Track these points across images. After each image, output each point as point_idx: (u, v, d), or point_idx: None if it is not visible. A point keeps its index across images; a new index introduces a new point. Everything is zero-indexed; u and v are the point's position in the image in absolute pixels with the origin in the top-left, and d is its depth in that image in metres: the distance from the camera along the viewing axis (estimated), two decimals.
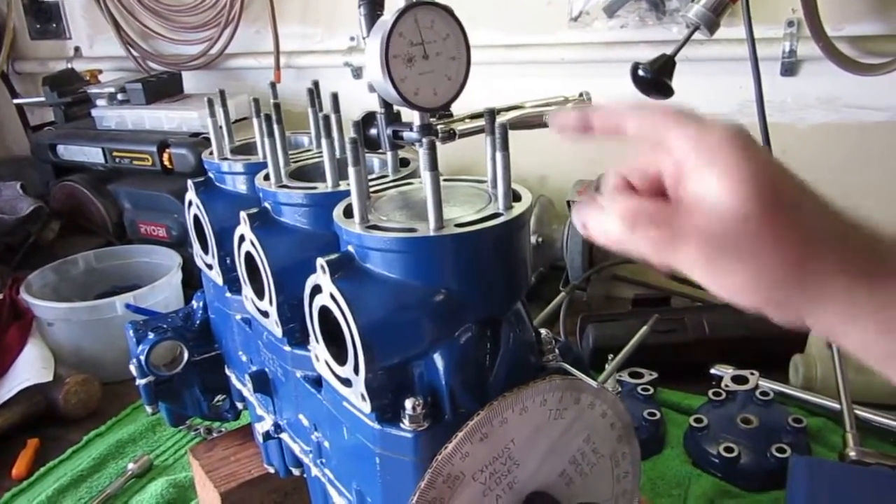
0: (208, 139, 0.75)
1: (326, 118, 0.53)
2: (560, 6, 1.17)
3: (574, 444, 0.50)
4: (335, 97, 0.62)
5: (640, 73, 0.83)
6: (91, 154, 1.31)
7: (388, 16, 0.45)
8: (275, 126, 0.57)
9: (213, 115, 0.67)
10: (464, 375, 0.46)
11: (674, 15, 1.05)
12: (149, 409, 0.76)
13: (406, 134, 0.49)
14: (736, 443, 0.81)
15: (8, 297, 1.10)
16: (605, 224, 0.39)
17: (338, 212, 0.49)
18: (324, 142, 0.53)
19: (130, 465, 0.89)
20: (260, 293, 0.58)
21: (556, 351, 0.52)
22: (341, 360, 0.47)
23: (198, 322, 0.77)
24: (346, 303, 0.44)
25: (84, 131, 1.35)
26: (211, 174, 0.69)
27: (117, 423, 1.00)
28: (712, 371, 0.96)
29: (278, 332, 0.57)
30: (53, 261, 1.20)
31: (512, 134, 0.47)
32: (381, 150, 0.53)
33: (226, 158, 0.68)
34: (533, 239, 1.13)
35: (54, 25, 1.63)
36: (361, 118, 0.51)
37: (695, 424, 0.85)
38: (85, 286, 1.21)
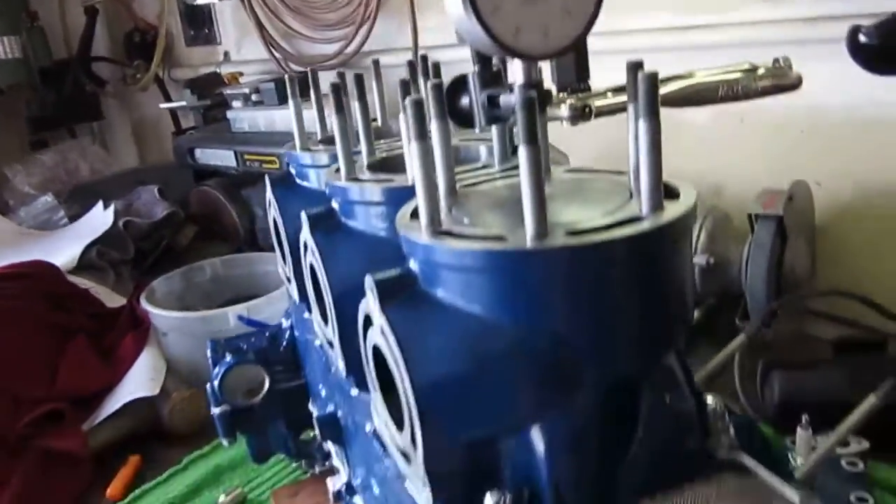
0: None
1: (405, 84, 0.39)
2: None
3: None
4: (436, 67, 0.48)
5: (862, 38, 0.62)
6: (224, 157, 1.27)
7: None
8: (344, 99, 0.44)
9: (293, 95, 0.55)
10: (577, 464, 0.30)
11: None
12: (224, 442, 0.65)
13: (504, 98, 0.34)
14: None
15: (128, 304, 1.06)
16: None
17: (403, 211, 0.35)
18: (402, 116, 0.39)
19: (222, 498, 0.80)
20: (325, 317, 0.45)
21: (731, 430, 0.34)
22: (401, 424, 0.32)
23: (285, 344, 0.66)
24: (397, 343, 0.29)
25: (219, 134, 1.31)
26: (292, 169, 0.57)
27: (220, 444, 0.92)
28: None
29: (342, 367, 0.43)
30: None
31: (676, 126, 0.31)
32: (472, 128, 0.38)
33: (308, 149, 0.55)
34: (702, 259, 0.92)
35: (206, 31, 1.64)
36: (450, 81, 0.36)
37: None
38: (210, 294, 1.16)
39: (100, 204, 1.28)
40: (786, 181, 0.92)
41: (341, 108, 0.43)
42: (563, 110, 0.43)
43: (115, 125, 1.90)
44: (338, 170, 0.46)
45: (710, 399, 0.34)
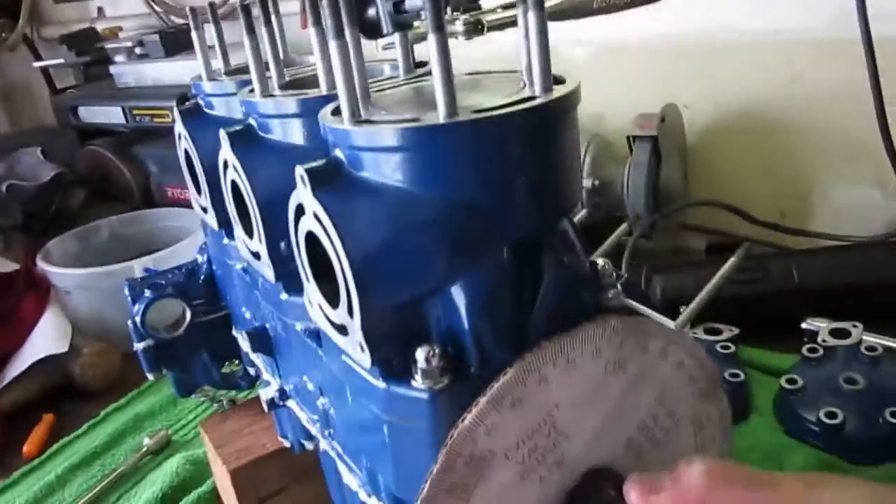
0: None
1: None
2: None
3: (642, 406, 0.38)
4: None
5: None
6: (111, 114, 1.23)
7: None
8: (259, 24, 0.46)
9: (196, 27, 0.57)
10: (493, 316, 0.35)
11: None
12: (150, 377, 0.67)
13: (409, 2, 0.37)
14: (839, 407, 0.67)
15: (23, 266, 1.03)
16: None
17: (324, 111, 0.38)
18: (312, 30, 0.42)
19: (146, 441, 0.81)
20: (250, 230, 0.47)
21: (619, 287, 0.40)
22: (336, 301, 0.36)
23: (203, 278, 0.68)
24: (331, 222, 0.32)
25: (103, 90, 1.27)
26: (199, 100, 0.58)
27: (138, 395, 0.92)
28: (804, 325, 0.81)
29: (271, 275, 0.46)
30: None
31: (563, 63, 0.35)
32: (382, 36, 0.42)
33: (214, 79, 0.57)
34: (588, 182, 1.00)
35: None
36: None
37: (788, 386, 0.72)
38: (109, 254, 1.14)
39: None
40: (658, 106, 1.00)
41: (252, 30, 0.45)
42: (458, 26, 0.47)
43: None
44: (251, 90, 0.48)
45: (600, 261, 0.40)
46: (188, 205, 1.21)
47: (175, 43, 1.23)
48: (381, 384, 0.35)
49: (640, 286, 0.87)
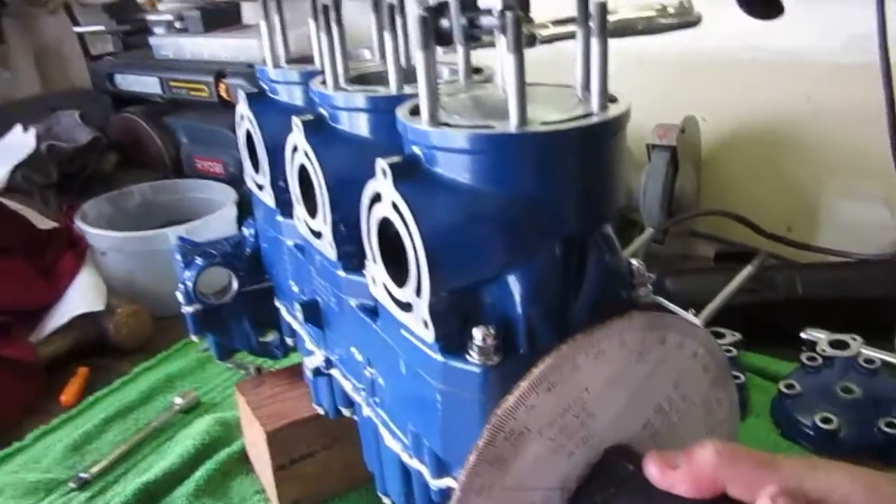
0: None
1: (391, 7, 0.46)
2: None
3: (660, 391, 0.42)
4: None
5: None
6: (148, 84, 1.27)
7: None
8: (332, 24, 0.51)
9: (266, 17, 0.61)
10: (543, 303, 0.40)
11: None
12: (194, 338, 0.71)
13: (485, 19, 0.42)
14: (835, 413, 0.72)
15: (63, 224, 1.07)
16: None
17: (402, 111, 0.42)
18: (387, 35, 0.47)
19: (177, 400, 0.86)
20: (313, 211, 0.52)
21: (650, 286, 0.45)
22: (401, 282, 0.40)
23: (248, 251, 0.72)
24: (409, 210, 0.37)
25: (141, 60, 1.31)
26: (264, 85, 0.63)
27: (167, 357, 0.97)
28: (804, 335, 0.86)
29: (332, 254, 0.51)
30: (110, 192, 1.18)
31: None
32: (452, 49, 0.46)
33: (280, 67, 0.61)
34: None
35: None
36: (433, 5, 0.44)
37: (785, 391, 0.77)
38: (140, 218, 1.18)
39: (18, 127, 1.26)
40: (678, 117, 1.05)
41: (328, 30, 0.50)
42: None
43: (16, 49, 1.82)
44: (322, 81, 0.53)
45: (635, 261, 0.44)
46: (216, 177, 1.26)
47: (214, 19, 1.26)
48: (439, 357, 0.40)
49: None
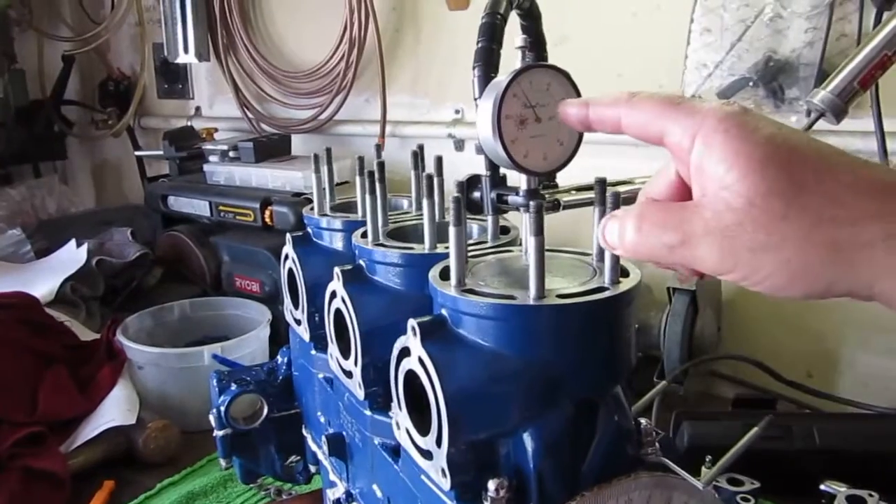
0: (310, 199, 0.75)
1: (430, 178, 0.52)
2: (672, 89, 1.14)
3: None
4: (439, 160, 0.62)
5: None
6: (198, 206, 1.36)
7: (503, 76, 0.44)
8: (377, 184, 0.57)
9: (317, 171, 0.68)
10: (555, 459, 0.43)
11: (793, 103, 1.01)
12: (223, 462, 0.74)
13: (511, 198, 0.47)
14: None
15: (105, 337, 1.13)
16: (619, 231, 0.38)
17: (433, 273, 0.47)
18: (425, 202, 0.52)
19: None
20: (346, 352, 0.56)
21: (657, 444, 0.47)
22: (423, 430, 0.44)
23: (280, 378, 0.76)
24: (434, 368, 0.41)
25: (194, 185, 1.41)
26: (309, 229, 0.69)
27: (191, 473, 0.99)
28: (822, 487, 0.86)
29: (360, 394, 0.54)
30: (152, 306, 1.24)
31: None
32: (482, 215, 0.52)
33: (325, 214, 0.67)
34: None
35: (180, 86, 1.74)
36: (466, 179, 0.50)
37: None
38: (178, 333, 1.24)
39: (72, 242, 1.34)
40: None
41: (374, 191, 0.56)
42: None
43: (76, 166, 1.95)
44: (363, 235, 0.58)
45: (643, 421, 0.47)
46: (252, 295, 1.32)
47: (266, 150, 1.37)
48: None
49: (669, 432, 0.93)
